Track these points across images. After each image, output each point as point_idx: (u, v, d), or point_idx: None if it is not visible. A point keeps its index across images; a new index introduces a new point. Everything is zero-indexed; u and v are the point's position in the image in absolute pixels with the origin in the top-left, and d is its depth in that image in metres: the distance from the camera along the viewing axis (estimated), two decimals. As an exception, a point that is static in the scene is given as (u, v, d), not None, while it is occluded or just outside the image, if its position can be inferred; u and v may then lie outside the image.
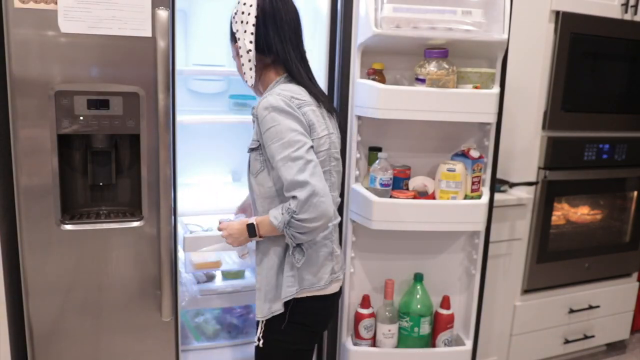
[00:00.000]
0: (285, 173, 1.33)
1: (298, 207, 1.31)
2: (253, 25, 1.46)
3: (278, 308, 1.45)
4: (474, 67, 1.84)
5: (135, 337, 1.74)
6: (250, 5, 1.46)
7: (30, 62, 1.49)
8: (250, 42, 1.46)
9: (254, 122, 1.44)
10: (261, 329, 1.48)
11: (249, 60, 1.48)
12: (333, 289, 1.52)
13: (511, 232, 2.39)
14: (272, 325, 1.47)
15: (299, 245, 1.42)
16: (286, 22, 1.47)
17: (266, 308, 1.47)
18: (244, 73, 1.51)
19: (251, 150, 1.46)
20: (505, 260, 2.41)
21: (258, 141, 1.43)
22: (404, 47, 1.82)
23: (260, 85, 1.54)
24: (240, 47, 1.49)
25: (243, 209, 1.79)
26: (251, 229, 1.45)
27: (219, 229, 1.56)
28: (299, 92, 1.44)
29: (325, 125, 1.47)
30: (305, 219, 1.31)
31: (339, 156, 1.53)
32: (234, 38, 1.52)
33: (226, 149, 2.39)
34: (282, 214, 1.35)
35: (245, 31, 1.47)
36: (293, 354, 1.50)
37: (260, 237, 1.46)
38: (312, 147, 1.38)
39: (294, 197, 1.32)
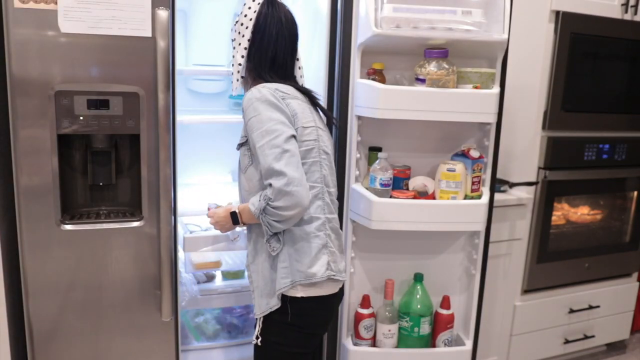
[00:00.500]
0: (262, 160, 1.37)
1: (273, 195, 1.34)
2: (248, 40, 1.50)
3: (276, 303, 1.45)
4: (474, 67, 1.84)
5: (135, 337, 1.74)
6: (250, 20, 1.49)
7: (30, 62, 1.49)
8: (242, 56, 1.51)
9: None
10: (259, 327, 1.48)
11: (238, 72, 1.53)
12: (330, 289, 1.49)
13: (511, 232, 2.39)
14: (269, 325, 1.47)
15: (275, 234, 1.44)
16: (273, 43, 1.50)
17: (264, 304, 1.47)
18: (232, 82, 1.57)
19: (240, 145, 1.49)
20: (505, 260, 2.41)
21: (246, 136, 1.45)
22: (404, 47, 1.82)
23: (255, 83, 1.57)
24: (233, 56, 1.54)
25: None
26: (234, 217, 1.50)
27: (208, 216, 1.62)
28: (285, 87, 1.47)
29: (312, 118, 1.49)
30: (279, 207, 1.34)
31: (329, 151, 1.54)
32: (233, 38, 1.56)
33: (226, 149, 2.37)
34: (259, 200, 1.39)
35: (240, 44, 1.51)
36: (290, 356, 1.49)
37: (243, 224, 1.51)
38: (293, 136, 1.40)
39: (270, 185, 1.35)
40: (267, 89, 1.43)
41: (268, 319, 1.47)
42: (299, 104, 1.47)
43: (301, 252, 1.45)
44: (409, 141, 1.97)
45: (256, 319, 1.50)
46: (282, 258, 1.45)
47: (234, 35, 1.55)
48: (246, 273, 1.57)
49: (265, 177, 1.37)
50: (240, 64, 1.52)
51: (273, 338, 1.47)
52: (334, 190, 1.55)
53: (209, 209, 1.65)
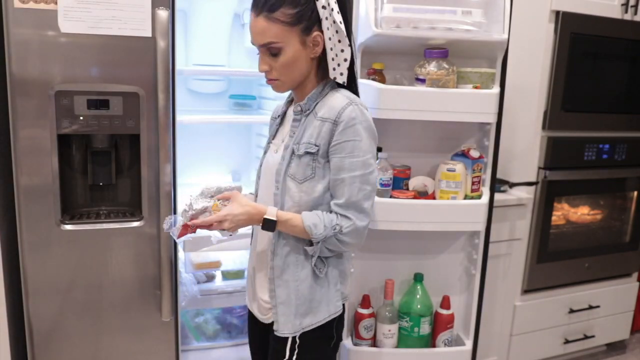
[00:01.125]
0: (349, 192, 1.26)
1: (348, 231, 1.26)
2: (337, 12, 1.27)
3: (309, 323, 1.34)
4: (474, 67, 1.84)
5: (135, 337, 1.74)
6: None
7: (30, 62, 1.49)
8: (344, 33, 1.28)
9: (322, 122, 1.28)
10: (292, 347, 1.33)
11: (342, 51, 1.29)
12: None
13: (511, 232, 2.39)
14: (304, 343, 1.34)
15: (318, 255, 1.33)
16: (350, 16, 1.33)
17: (297, 323, 1.33)
18: (333, 68, 1.30)
19: (306, 154, 1.29)
20: (505, 260, 2.41)
21: (317, 146, 1.27)
22: (404, 47, 1.82)
23: (308, 82, 1.35)
24: (329, 38, 1.27)
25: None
26: (269, 224, 1.29)
27: (217, 225, 1.30)
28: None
29: None
30: (346, 243, 1.28)
31: None
32: (300, 21, 1.25)
33: (226, 149, 2.39)
34: (325, 227, 1.26)
35: (340, 22, 1.27)
36: None
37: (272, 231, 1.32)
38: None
39: (347, 218, 1.27)
40: (368, 112, 1.31)
41: (304, 336, 1.34)
42: None
43: (344, 273, 1.40)
44: (409, 141, 1.97)
45: (281, 337, 1.34)
46: (334, 280, 1.37)
47: (324, 12, 1.26)
48: (263, 285, 1.40)
49: (344, 207, 1.27)
50: (349, 45, 1.29)
51: (309, 356, 1.35)
52: None
53: (191, 218, 1.33)
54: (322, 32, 1.27)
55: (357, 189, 1.26)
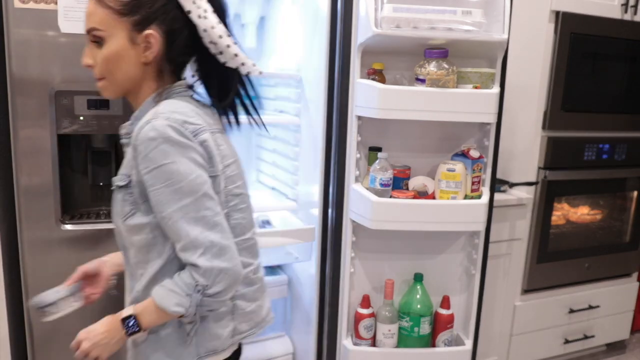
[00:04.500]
0: (185, 229, 1.01)
1: (212, 280, 1.00)
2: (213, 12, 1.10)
3: None
4: (474, 67, 1.84)
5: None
6: None
7: (30, 62, 1.49)
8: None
9: (125, 148, 1.12)
10: None
11: (228, 46, 1.13)
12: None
13: (511, 232, 2.40)
14: None
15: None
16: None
17: None
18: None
19: (119, 188, 1.10)
20: (505, 260, 2.41)
21: (129, 176, 1.07)
22: (404, 47, 1.82)
23: (141, 93, 1.13)
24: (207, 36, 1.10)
25: (88, 274, 1.34)
26: (131, 324, 1.07)
27: (77, 347, 1.11)
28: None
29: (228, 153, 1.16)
30: (220, 292, 1.02)
31: (240, 191, 1.17)
32: (134, 13, 1.07)
33: (226, 149, 2.37)
34: (188, 294, 1.01)
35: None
36: None
37: (144, 330, 1.08)
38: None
39: (196, 266, 1.00)
40: (179, 117, 1.06)
41: None
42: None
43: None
44: (409, 141, 1.97)
45: None
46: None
47: (195, 12, 1.10)
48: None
49: (187, 250, 1.02)
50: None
51: None
52: (248, 235, 1.20)
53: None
54: (162, 33, 1.07)
55: (193, 220, 1.00)
